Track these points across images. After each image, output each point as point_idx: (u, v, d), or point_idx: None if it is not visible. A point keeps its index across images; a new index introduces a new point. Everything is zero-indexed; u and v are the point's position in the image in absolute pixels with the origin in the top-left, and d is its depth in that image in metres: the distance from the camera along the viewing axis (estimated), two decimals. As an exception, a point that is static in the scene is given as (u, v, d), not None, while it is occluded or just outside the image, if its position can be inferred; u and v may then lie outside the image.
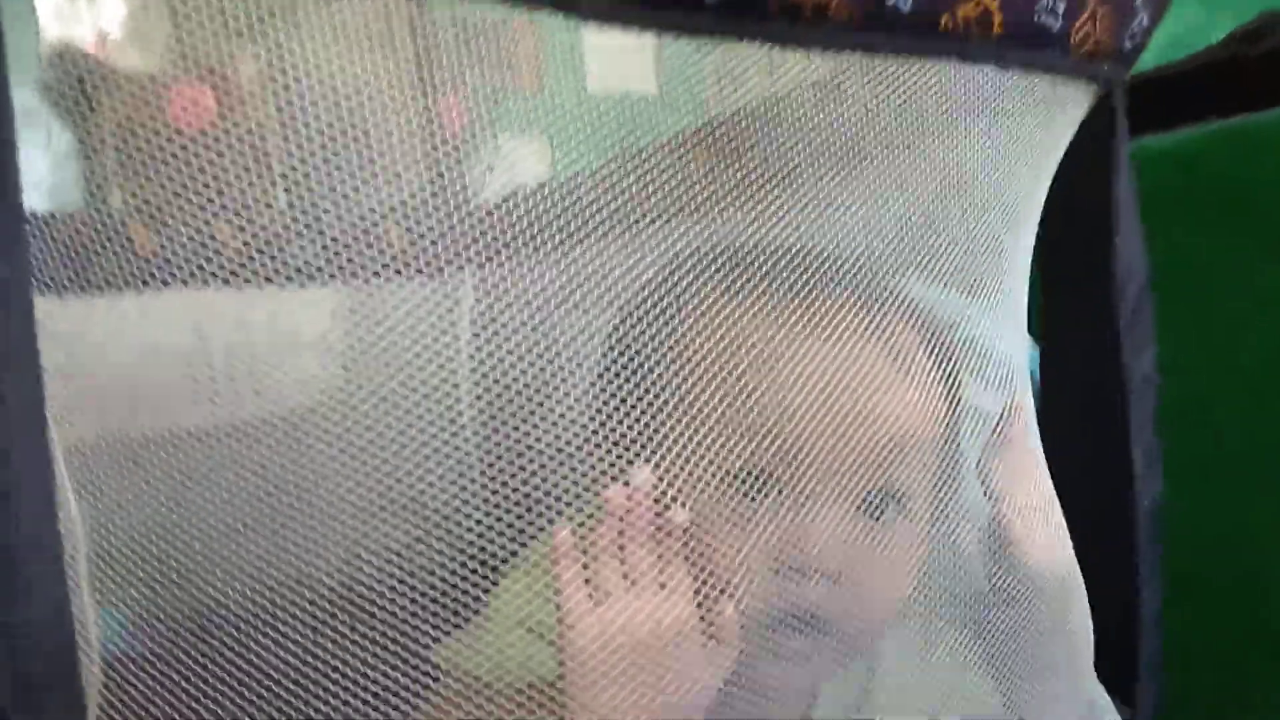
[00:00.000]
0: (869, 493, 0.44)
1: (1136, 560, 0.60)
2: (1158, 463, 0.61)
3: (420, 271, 0.45)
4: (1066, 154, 0.60)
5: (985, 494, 0.52)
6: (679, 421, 0.41)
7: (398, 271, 0.45)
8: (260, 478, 0.46)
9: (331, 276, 0.45)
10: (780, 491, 0.42)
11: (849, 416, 0.43)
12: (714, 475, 0.41)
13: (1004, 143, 0.54)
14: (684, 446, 0.41)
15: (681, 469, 0.40)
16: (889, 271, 0.58)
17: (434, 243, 0.44)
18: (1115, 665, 0.61)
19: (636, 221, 0.48)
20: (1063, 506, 0.62)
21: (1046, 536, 0.53)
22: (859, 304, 0.47)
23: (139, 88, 0.45)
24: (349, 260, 0.44)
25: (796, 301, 0.44)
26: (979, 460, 0.54)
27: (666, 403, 0.41)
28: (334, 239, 0.45)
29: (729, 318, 0.43)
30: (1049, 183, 0.59)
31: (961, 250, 0.62)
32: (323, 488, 0.46)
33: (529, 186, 0.47)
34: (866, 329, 0.46)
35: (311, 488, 0.46)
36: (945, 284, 0.63)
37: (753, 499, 0.42)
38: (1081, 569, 0.60)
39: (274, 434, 0.47)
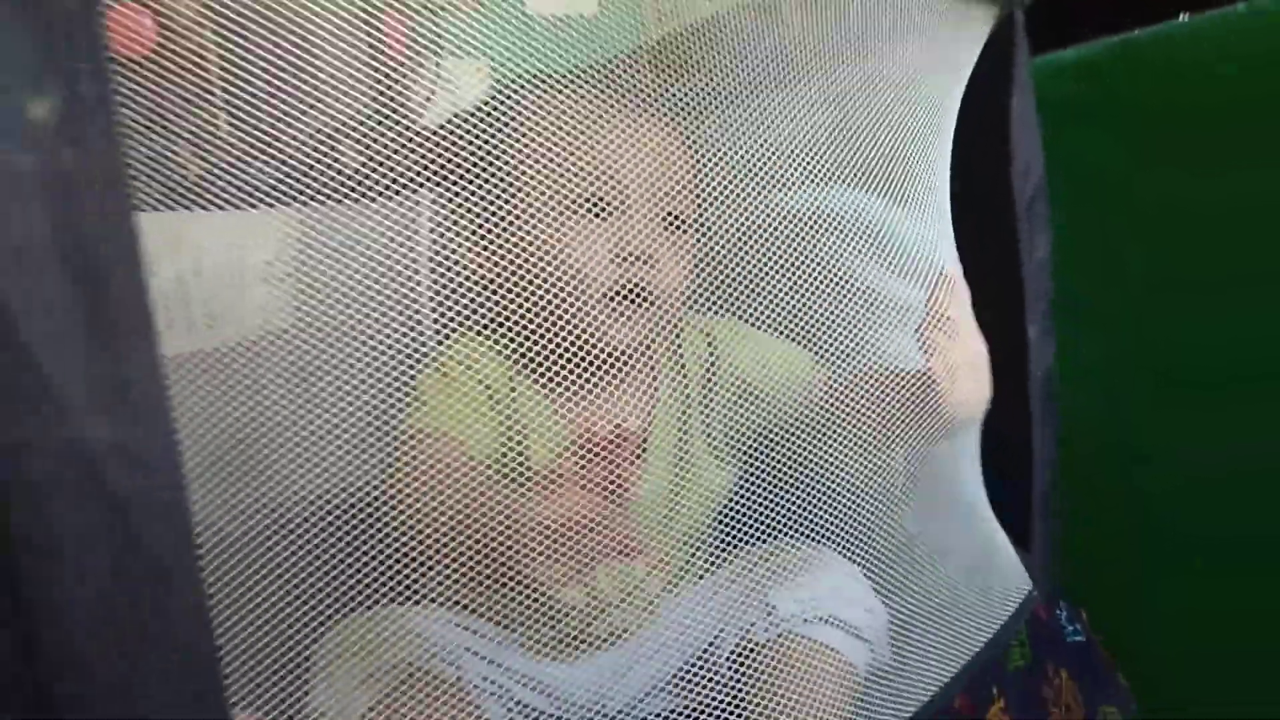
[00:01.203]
0: (663, 214, 0.60)
1: (1029, 413, 0.69)
2: (1050, 335, 0.70)
3: (377, 192, 0.49)
4: (974, 68, 0.67)
5: (922, 352, 0.62)
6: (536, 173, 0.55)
7: (352, 193, 0.48)
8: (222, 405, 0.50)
9: (289, 200, 0.47)
10: (612, 214, 0.58)
11: (652, 167, 0.58)
12: (565, 205, 0.56)
13: (920, 59, 0.61)
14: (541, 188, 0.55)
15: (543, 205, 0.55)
16: (820, 179, 0.66)
17: (388, 163, 0.48)
18: (1012, 510, 0.70)
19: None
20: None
21: (972, 387, 0.64)
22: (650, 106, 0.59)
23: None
24: (306, 183, 0.47)
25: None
26: (917, 329, 0.65)
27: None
28: (288, 161, 0.47)
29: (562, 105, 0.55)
30: (961, 94, 0.66)
31: (888, 157, 0.70)
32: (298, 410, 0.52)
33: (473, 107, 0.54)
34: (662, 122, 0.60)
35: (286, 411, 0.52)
36: (872, 189, 0.71)
37: (595, 218, 0.57)
38: (985, 424, 0.70)
39: (227, 362, 0.50)
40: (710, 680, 0.56)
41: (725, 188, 0.69)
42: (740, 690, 0.56)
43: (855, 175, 0.69)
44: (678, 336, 0.65)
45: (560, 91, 0.55)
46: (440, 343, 0.57)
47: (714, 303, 0.71)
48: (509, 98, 0.53)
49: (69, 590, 0.33)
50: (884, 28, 0.58)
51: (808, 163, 0.66)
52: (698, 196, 0.61)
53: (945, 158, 0.69)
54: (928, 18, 0.60)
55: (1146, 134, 0.78)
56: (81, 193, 0.32)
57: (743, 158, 0.66)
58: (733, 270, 0.72)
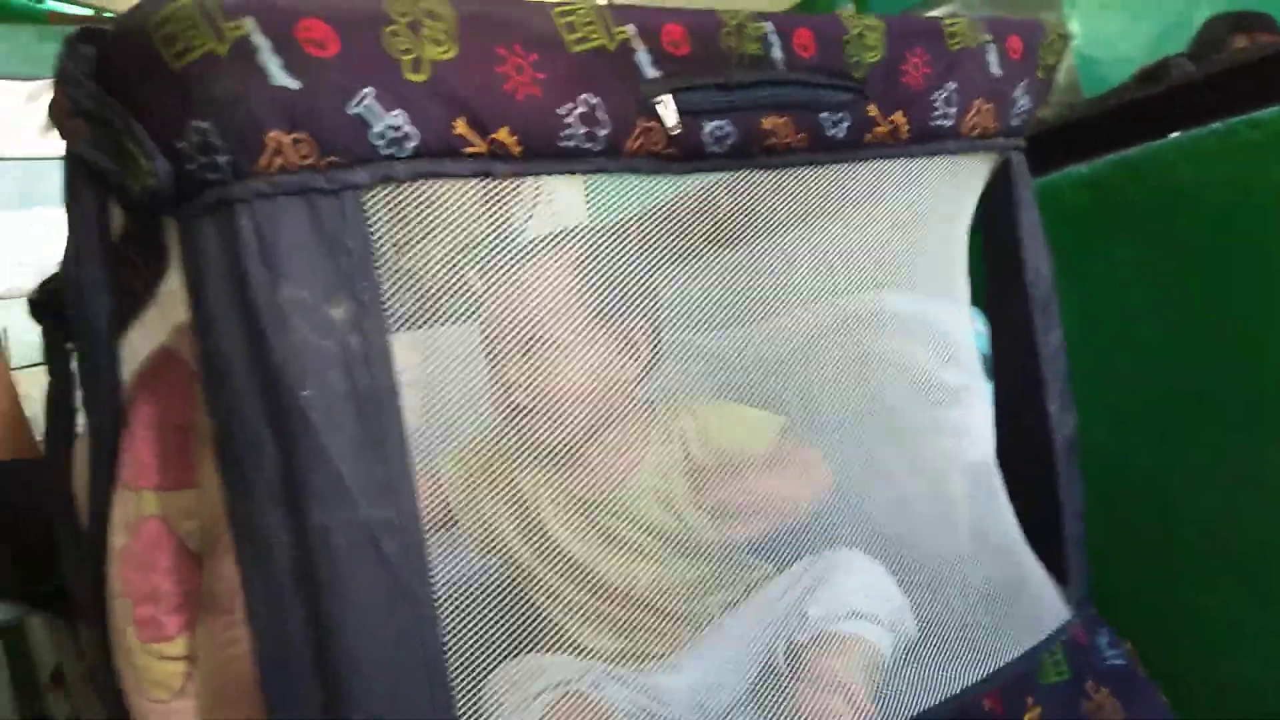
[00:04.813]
0: None
1: (1056, 474, 0.82)
2: (1070, 407, 0.83)
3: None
4: (988, 194, 0.82)
5: None
6: None
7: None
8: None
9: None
10: None
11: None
12: None
13: (930, 199, 0.77)
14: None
15: None
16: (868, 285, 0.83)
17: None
18: (1049, 551, 0.83)
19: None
20: (1003, 440, 0.85)
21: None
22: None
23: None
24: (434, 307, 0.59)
25: None
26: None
27: None
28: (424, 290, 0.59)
29: None
30: (970, 216, 0.82)
31: (926, 265, 0.86)
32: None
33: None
34: None
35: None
36: (920, 291, 0.87)
37: None
38: (1019, 483, 0.83)
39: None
40: (776, 685, 0.71)
41: (789, 296, 0.86)
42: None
43: (896, 281, 0.85)
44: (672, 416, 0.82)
45: None
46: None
47: (791, 388, 0.87)
48: None
49: (356, 618, 0.51)
50: (891, 182, 0.74)
51: (844, 274, 0.83)
52: None
53: (963, 264, 0.84)
54: (927, 171, 0.75)
55: (1144, 234, 0.91)
56: (361, 363, 0.51)
57: (800, 272, 0.83)
58: (807, 362, 0.88)
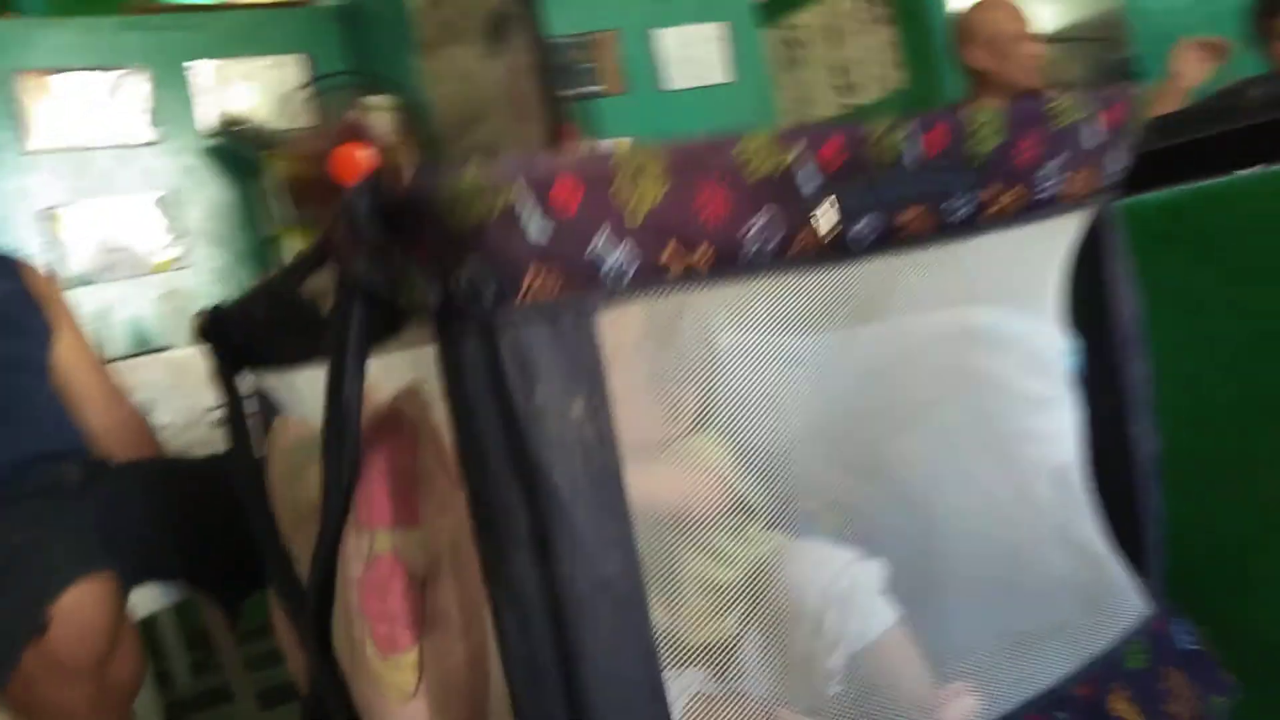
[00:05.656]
0: None
1: (1136, 486, 0.94)
2: (1151, 431, 0.95)
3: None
4: (1083, 239, 0.93)
5: None
6: None
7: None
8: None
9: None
10: None
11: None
12: None
13: (1030, 247, 0.88)
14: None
15: None
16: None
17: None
18: (1130, 551, 0.96)
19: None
20: (1087, 454, 0.96)
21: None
22: None
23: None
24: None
25: None
26: None
27: None
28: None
29: None
30: (1065, 256, 0.92)
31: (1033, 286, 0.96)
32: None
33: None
34: None
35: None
36: (1021, 308, 0.98)
37: None
38: (1102, 492, 0.95)
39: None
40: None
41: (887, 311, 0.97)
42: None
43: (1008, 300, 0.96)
44: None
45: None
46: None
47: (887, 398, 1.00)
48: None
49: (595, 647, 0.64)
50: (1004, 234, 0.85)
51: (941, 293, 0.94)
52: None
53: (1055, 287, 0.95)
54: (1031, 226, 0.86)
55: (1226, 261, 1.02)
56: (596, 448, 0.63)
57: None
58: (903, 374, 1.00)
